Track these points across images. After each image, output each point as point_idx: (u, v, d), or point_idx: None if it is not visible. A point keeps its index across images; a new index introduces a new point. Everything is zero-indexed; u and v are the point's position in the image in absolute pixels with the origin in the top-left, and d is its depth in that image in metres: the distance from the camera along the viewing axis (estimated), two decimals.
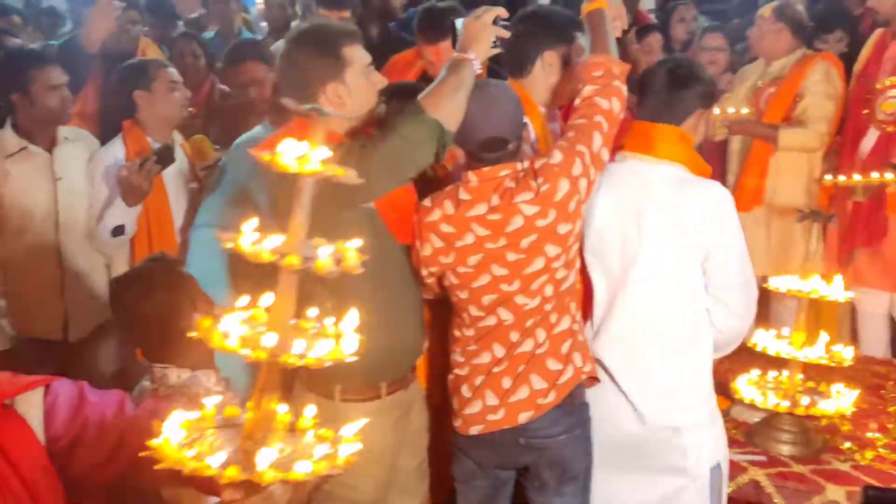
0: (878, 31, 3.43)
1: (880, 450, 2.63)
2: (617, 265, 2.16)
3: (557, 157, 2.02)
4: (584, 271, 2.23)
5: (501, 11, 2.04)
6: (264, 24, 5.46)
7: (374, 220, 2.02)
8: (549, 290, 2.04)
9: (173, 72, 2.98)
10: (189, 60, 3.93)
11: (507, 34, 2.08)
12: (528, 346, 2.06)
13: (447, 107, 1.93)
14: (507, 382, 2.06)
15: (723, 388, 2.61)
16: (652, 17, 5.49)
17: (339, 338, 1.17)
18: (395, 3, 4.65)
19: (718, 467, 2.18)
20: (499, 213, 2.01)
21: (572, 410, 2.09)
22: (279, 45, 2.93)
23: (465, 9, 2.59)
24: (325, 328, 1.21)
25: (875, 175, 3.16)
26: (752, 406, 2.68)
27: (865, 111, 3.39)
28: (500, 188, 2.01)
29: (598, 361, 2.22)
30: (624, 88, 2.11)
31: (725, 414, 2.52)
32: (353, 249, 1.19)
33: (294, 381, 2.14)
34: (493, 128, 2.01)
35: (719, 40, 3.97)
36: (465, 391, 2.11)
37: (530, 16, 2.38)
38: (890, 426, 2.79)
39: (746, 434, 2.68)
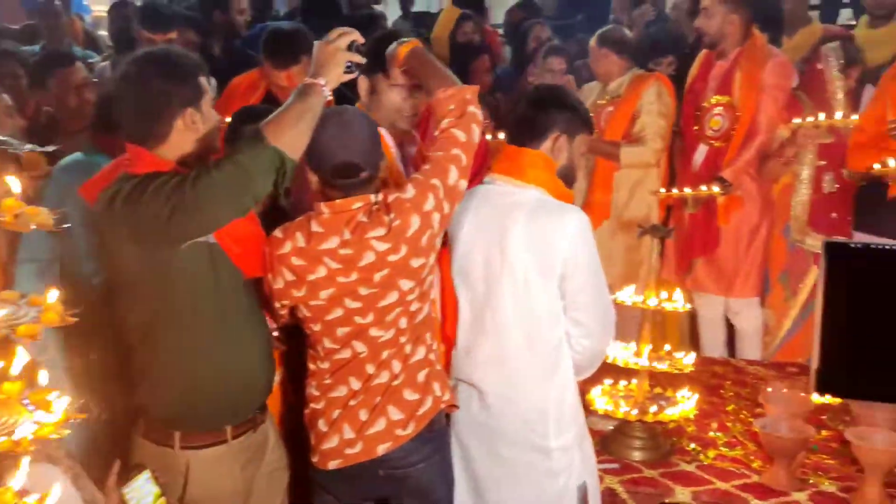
0: (704, 53, 3.68)
1: (721, 448, 2.81)
2: (481, 287, 2.19)
3: (410, 191, 2.01)
4: (452, 292, 2.25)
5: (356, 36, 2.01)
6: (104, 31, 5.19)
7: (215, 254, 1.93)
8: (403, 322, 2.03)
9: None
10: (9, 82, 3.63)
11: (362, 60, 2.05)
12: (384, 377, 2.04)
13: (289, 134, 1.87)
14: (364, 415, 2.04)
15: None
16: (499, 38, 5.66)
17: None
18: (240, 21, 4.54)
19: (584, 486, 2.23)
20: (350, 247, 1.98)
21: (431, 438, 2.09)
22: (105, 66, 2.78)
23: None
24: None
25: (703, 188, 3.39)
26: (606, 416, 2.80)
27: (695, 127, 3.63)
28: (353, 222, 1.98)
29: (472, 383, 2.24)
30: (479, 112, 2.13)
31: None
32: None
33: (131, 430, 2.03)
34: (345, 153, 1.98)
35: (562, 64, 4.12)
36: (322, 425, 2.07)
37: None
38: (729, 424, 2.98)
39: (601, 443, 2.79)
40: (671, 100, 3.71)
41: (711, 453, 2.77)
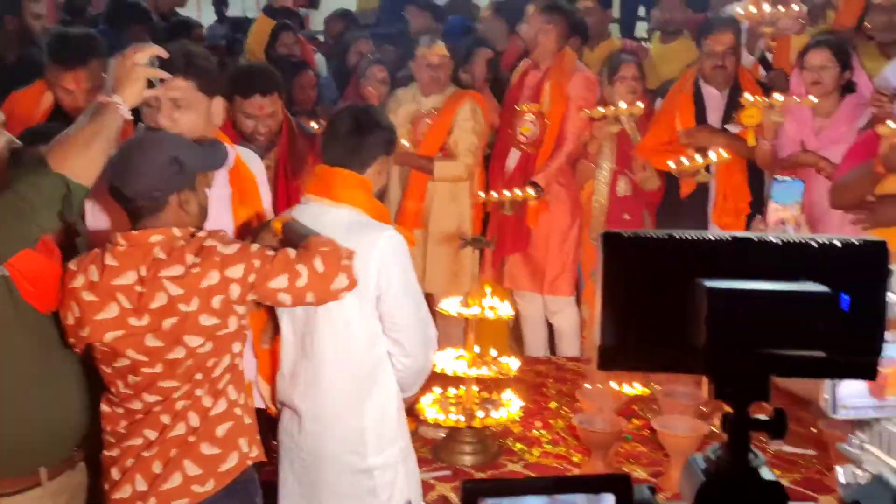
0: (525, 61, 3.86)
1: (545, 446, 2.97)
2: (300, 310, 2.16)
3: (230, 248, 1.88)
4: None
5: (156, 50, 1.89)
6: None
7: (11, 289, 1.80)
8: (198, 375, 1.91)
9: None
10: None
11: (165, 75, 1.92)
12: (180, 429, 1.91)
13: (76, 159, 1.74)
14: (157, 467, 1.90)
15: (409, 410, 2.74)
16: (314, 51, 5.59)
17: None
18: (36, 26, 4.21)
19: None
20: (144, 286, 1.85)
21: (235, 490, 1.97)
22: None
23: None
24: None
25: (518, 192, 3.56)
26: (436, 424, 2.87)
27: (510, 132, 3.80)
28: (149, 258, 1.85)
29: (293, 408, 2.21)
30: (353, 269, 1.99)
31: (414, 434, 2.62)
32: None
33: None
34: (135, 181, 1.85)
35: (383, 72, 4.17)
36: (115, 473, 1.93)
37: None
38: (552, 422, 3.15)
39: (433, 451, 2.86)
40: (484, 117, 3.87)
41: (536, 451, 2.92)
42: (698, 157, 3.45)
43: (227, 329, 1.89)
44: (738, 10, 3.54)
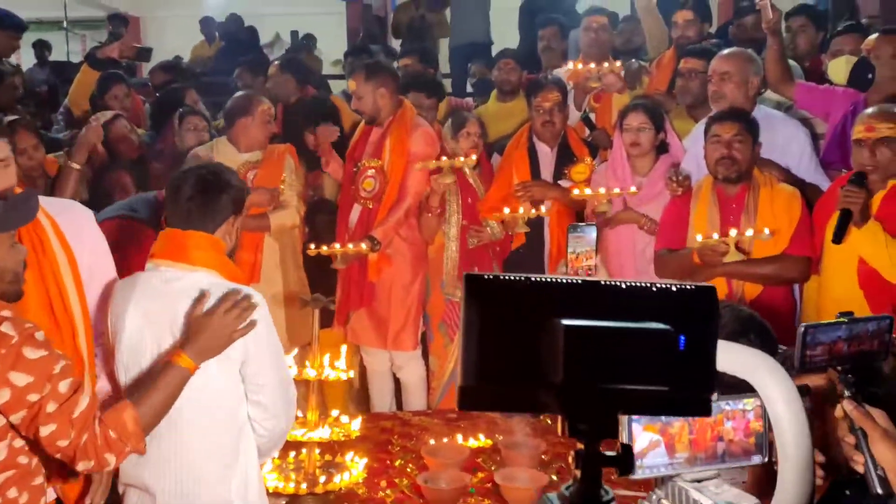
0: (362, 124, 3.88)
1: None
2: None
3: (35, 352, 1.71)
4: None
5: None
6: None
7: None
8: None
9: None
10: None
11: None
12: None
13: None
14: None
15: None
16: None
17: None
18: None
19: None
20: None
21: None
22: None
23: None
24: None
25: (351, 245, 3.55)
26: (276, 493, 2.74)
27: (352, 187, 3.79)
28: None
29: (144, 488, 2.04)
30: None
31: None
32: None
33: None
34: None
35: (202, 122, 4.06)
36: None
37: None
38: (396, 481, 3.07)
39: None
40: (299, 167, 3.91)
41: None
42: (521, 210, 3.59)
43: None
44: (568, 66, 3.76)
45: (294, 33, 8.87)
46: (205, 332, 1.91)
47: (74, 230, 2.15)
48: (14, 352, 1.67)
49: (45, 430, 1.71)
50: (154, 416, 1.86)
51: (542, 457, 3.02)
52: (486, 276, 1.00)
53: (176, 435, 2.02)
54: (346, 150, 3.97)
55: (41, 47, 8.60)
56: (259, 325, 2.02)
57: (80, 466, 1.76)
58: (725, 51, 3.58)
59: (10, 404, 1.68)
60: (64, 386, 1.72)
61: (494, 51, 5.63)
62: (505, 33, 6.66)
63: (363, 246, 3.53)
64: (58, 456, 1.75)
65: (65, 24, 10.12)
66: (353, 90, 3.74)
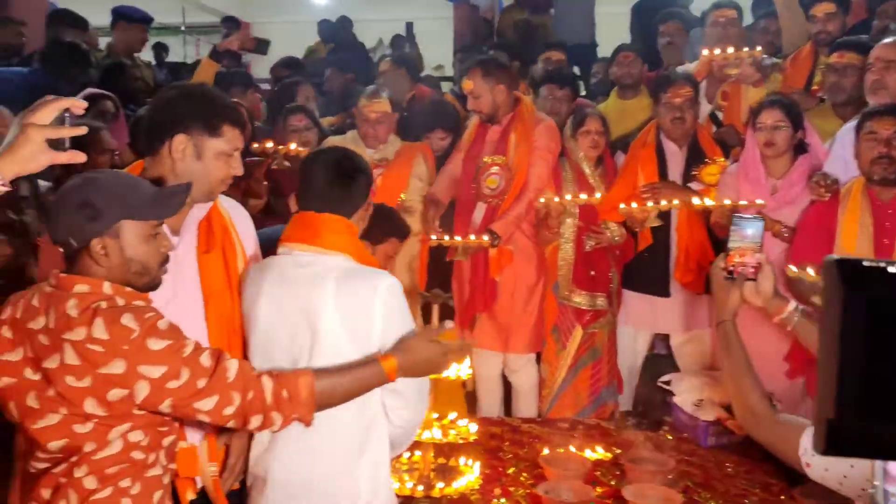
0: (475, 118, 3.77)
1: None
2: (287, 366, 1.96)
3: (159, 342, 1.65)
4: None
5: (69, 103, 1.52)
6: None
7: None
8: (74, 457, 1.68)
9: None
10: None
11: (76, 132, 1.53)
12: None
13: None
14: None
15: None
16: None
17: None
18: None
19: None
20: (48, 338, 1.66)
21: None
22: None
23: None
24: None
25: (472, 237, 3.44)
26: None
27: (473, 186, 3.67)
28: (62, 308, 1.66)
29: (267, 479, 1.99)
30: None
31: None
32: None
33: None
34: (53, 225, 1.74)
35: (304, 120, 4.00)
36: None
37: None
38: (511, 489, 2.94)
39: None
40: (431, 169, 3.81)
41: None
42: (650, 204, 3.39)
43: (119, 428, 1.68)
44: (704, 52, 3.55)
45: (409, 25, 8.91)
46: (424, 358, 1.87)
47: (243, 229, 2.18)
48: (136, 346, 1.63)
49: (208, 404, 1.68)
50: (330, 397, 1.80)
51: (669, 476, 2.81)
52: (876, 265, 0.71)
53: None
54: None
55: (160, 49, 9.01)
56: (395, 312, 1.96)
57: (253, 423, 1.72)
58: (892, 38, 3.28)
59: (151, 397, 1.65)
60: (205, 359, 1.70)
61: (599, 53, 5.46)
62: (608, 38, 6.52)
63: (484, 238, 3.42)
64: (230, 424, 1.73)
65: (182, 28, 10.50)
66: (470, 90, 3.61)
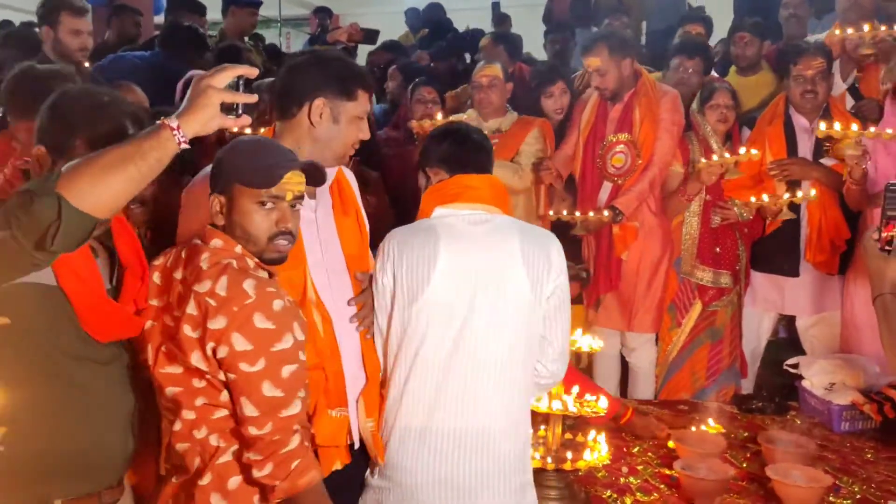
0: (594, 98, 3.68)
1: (637, 494, 2.70)
2: (457, 322, 2.00)
3: (222, 285, 1.67)
4: None
5: (243, 70, 1.57)
6: None
7: (55, 302, 1.61)
8: (199, 401, 1.73)
9: None
10: None
11: (247, 99, 1.56)
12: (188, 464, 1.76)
13: (85, 183, 1.44)
14: None
15: None
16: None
17: None
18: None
19: None
20: (184, 288, 1.73)
21: None
22: None
23: None
24: None
25: (591, 213, 3.37)
26: None
27: (599, 164, 3.59)
28: (195, 262, 1.73)
29: (439, 430, 1.99)
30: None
31: None
32: None
33: None
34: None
35: (431, 93, 3.98)
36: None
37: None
38: (639, 468, 2.89)
39: None
40: (549, 145, 3.75)
41: (629, 500, 2.66)
42: (786, 195, 3.26)
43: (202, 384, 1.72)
44: (835, 31, 3.36)
45: (496, 5, 8.81)
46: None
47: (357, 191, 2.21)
48: (245, 314, 1.63)
49: (246, 405, 1.66)
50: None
51: (811, 457, 2.70)
52: None
53: (480, 376, 2.00)
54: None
55: (255, 39, 9.17)
56: (564, 266, 2.06)
57: (256, 470, 1.66)
58: None
59: (226, 362, 1.66)
60: (287, 371, 1.67)
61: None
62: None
63: (605, 213, 3.35)
64: (244, 430, 1.68)
65: (279, 20, 10.70)
66: (597, 66, 3.52)
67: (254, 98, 1.58)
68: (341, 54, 2.15)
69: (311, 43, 5.15)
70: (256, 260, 1.75)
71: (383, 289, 2.04)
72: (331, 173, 2.08)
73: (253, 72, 1.58)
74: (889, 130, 3.08)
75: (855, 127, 3.17)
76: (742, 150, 3.32)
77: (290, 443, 1.67)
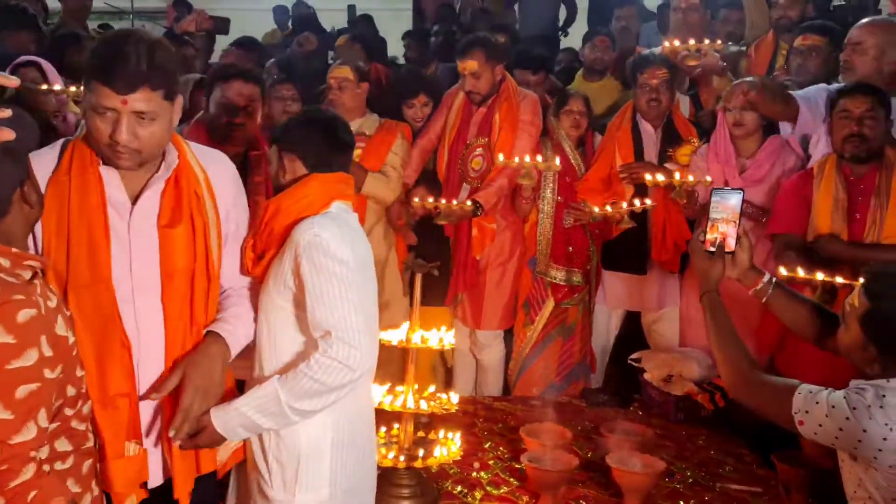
0: (460, 99, 3.70)
1: (487, 487, 2.74)
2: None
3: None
4: None
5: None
6: None
7: None
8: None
9: None
10: None
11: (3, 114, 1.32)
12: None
13: None
14: None
15: None
16: None
17: None
18: None
19: None
20: None
21: None
22: None
23: None
24: None
25: (455, 202, 3.39)
26: None
27: (460, 167, 3.63)
28: None
29: None
30: None
31: None
32: None
33: None
34: None
35: (292, 91, 3.88)
36: None
37: None
38: (490, 462, 2.93)
39: None
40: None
41: (478, 494, 2.70)
42: (625, 205, 3.40)
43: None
44: (665, 44, 3.55)
45: (351, 7, 8.75)
46: None
47: (221, 186, 1.94)
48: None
49: None
50: None
51: (647, 445, 2.83)
52: None
53: None
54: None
55: (105, 30, 8.69)
56: None
57: None
58: (867, 19, 3.34)
59: None
60: (23, 391, 1.45)
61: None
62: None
63: (468, 204, 3.38)
64: None
65: (130, 13, 10.17)
66: (473, 70, 3.53)
67: (7, 113, 1.32)
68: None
69: (169, 35, 4.90)
70: (16, 251, 1.51)
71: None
72: (160, 177, 1.83)
73: (12, 81, 1.33)
74: (708, 178, 3.27)
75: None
76: (548, 163, 3.42)
77: (22, 472, 1.45)
